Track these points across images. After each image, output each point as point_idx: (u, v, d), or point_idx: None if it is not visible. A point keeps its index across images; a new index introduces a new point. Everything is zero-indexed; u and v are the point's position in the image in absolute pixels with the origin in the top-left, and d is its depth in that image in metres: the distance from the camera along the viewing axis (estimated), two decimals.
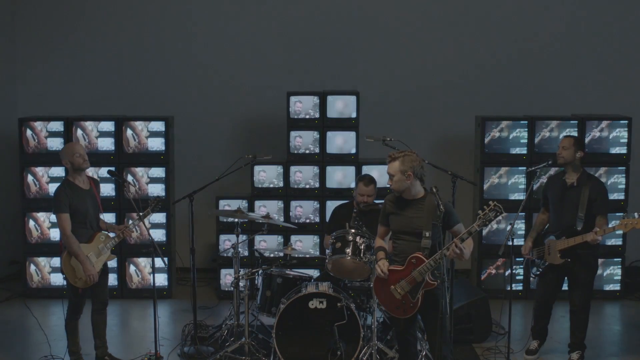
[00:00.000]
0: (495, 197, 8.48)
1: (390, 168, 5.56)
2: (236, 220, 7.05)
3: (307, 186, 8.58)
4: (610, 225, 6.56)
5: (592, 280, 6.75)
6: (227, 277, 8.56)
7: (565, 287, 6.82)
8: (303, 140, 8.56)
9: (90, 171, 7.49)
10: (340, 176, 8.57)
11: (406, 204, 5.59)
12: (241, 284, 6.98)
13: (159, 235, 8.60)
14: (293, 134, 8.57)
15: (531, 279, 7.85)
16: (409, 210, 5.56)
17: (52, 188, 8.46)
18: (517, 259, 8.34)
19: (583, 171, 6.67)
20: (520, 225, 8.49)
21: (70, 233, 6.26)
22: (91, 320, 6.68)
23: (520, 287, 8.58)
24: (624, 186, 8.49)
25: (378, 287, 5.69)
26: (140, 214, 6.46)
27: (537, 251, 6.75)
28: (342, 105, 8.56)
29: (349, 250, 6.44)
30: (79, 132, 8.51)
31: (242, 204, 8.44)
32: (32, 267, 8.60)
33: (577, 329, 6.77)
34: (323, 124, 8.57)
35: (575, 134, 8.43)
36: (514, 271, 8.24)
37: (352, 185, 8.42)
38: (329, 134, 8.56)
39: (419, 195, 5.58)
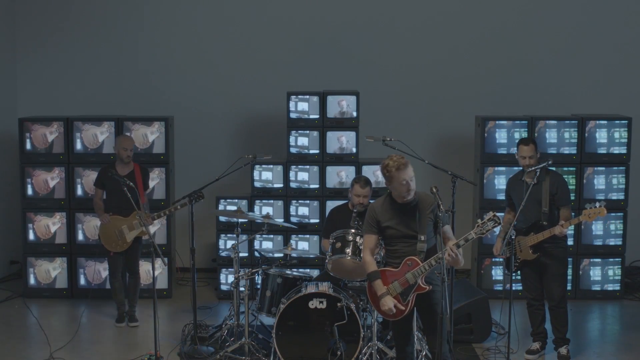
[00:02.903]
0: (495, 197, 8.50)
1: (406, 174, 5.39)
2: (236, 220, 7.06)
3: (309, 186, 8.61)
4: (574, 217, 6.70)
5: (565, 272, 6.88)
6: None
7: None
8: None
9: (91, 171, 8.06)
10: (340, 176, 8.57)
11: (400, 208, 5.51)
12: (241, 283, 6.99)
13: (159, 235, 8.60)
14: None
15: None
16: (405, 213, 5.50)
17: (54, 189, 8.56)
18: (517, 258, 8.37)
19: (541, 168, 6.75)
20: None
21: (95, 201, 7.77)
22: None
23: (520, 287, 8.57)
24: (623, 186, 8.49)
25: (370, 286, 5.67)
26: (170, 207, 7.57)
27: (509, 249, 6.79)
28: (342, 105, 8.56)
29: (349, 250, 6.44)
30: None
31: (242, 203, 8.45)
32: (32, 267, 8.60)
33: (558, 324, 6.85)
34: (323, 124, 8.57)
35: (575, 134, 8.45)
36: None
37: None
38: (329, 134, 8.56)
39: (412, 197, 5.55)
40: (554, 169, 6.97)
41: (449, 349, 5.66)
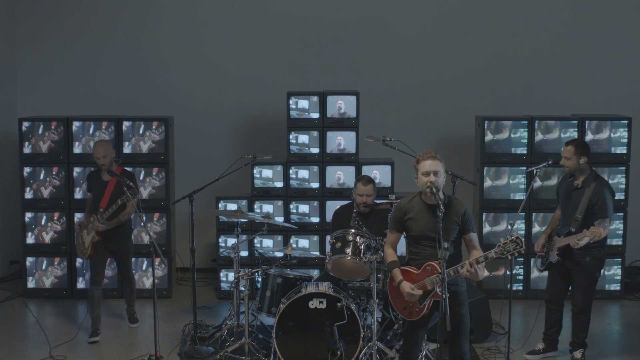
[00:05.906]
0: (495, 197, 8.50)
1: (437, 165, 5.44)
2: (236, 220, 7.06)
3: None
4: (589, 231, 6.40)
5: (590, 282, 6.71)
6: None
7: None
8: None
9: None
10: (341, 176, 8.57)
11: (428, 208, 5.49)
12: (241, 283, 6.99)
13: (159, 235, 8.59)
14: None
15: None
16: (433, 214, 5.44)
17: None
18: (518, 259, 8.39)
19: (590, 173, 6.67)
20: (520, 225, 8.48)
21: (87, 205, 7.66)
22: None
23: (520, 287, 8.58)
24: (624, 186, 8.49)
25: (391, 283, 5.68)
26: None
27: (546, 247, 6.79)
28: (342, 105, 8.56)
29: (349, 250, 6.43)
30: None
31: (242, 203, 8.44)
32: (32, 267, 8.60)
33: (578, 329, 6.81)
34: (323, 124, 8.57)
35: (575, 134, 8.44)
36: (513, 271, 8.24)
37: (352, 185, 8.41)
38: (329, 134, 8.56)
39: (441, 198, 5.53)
40: (558, 172, 6.94)
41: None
